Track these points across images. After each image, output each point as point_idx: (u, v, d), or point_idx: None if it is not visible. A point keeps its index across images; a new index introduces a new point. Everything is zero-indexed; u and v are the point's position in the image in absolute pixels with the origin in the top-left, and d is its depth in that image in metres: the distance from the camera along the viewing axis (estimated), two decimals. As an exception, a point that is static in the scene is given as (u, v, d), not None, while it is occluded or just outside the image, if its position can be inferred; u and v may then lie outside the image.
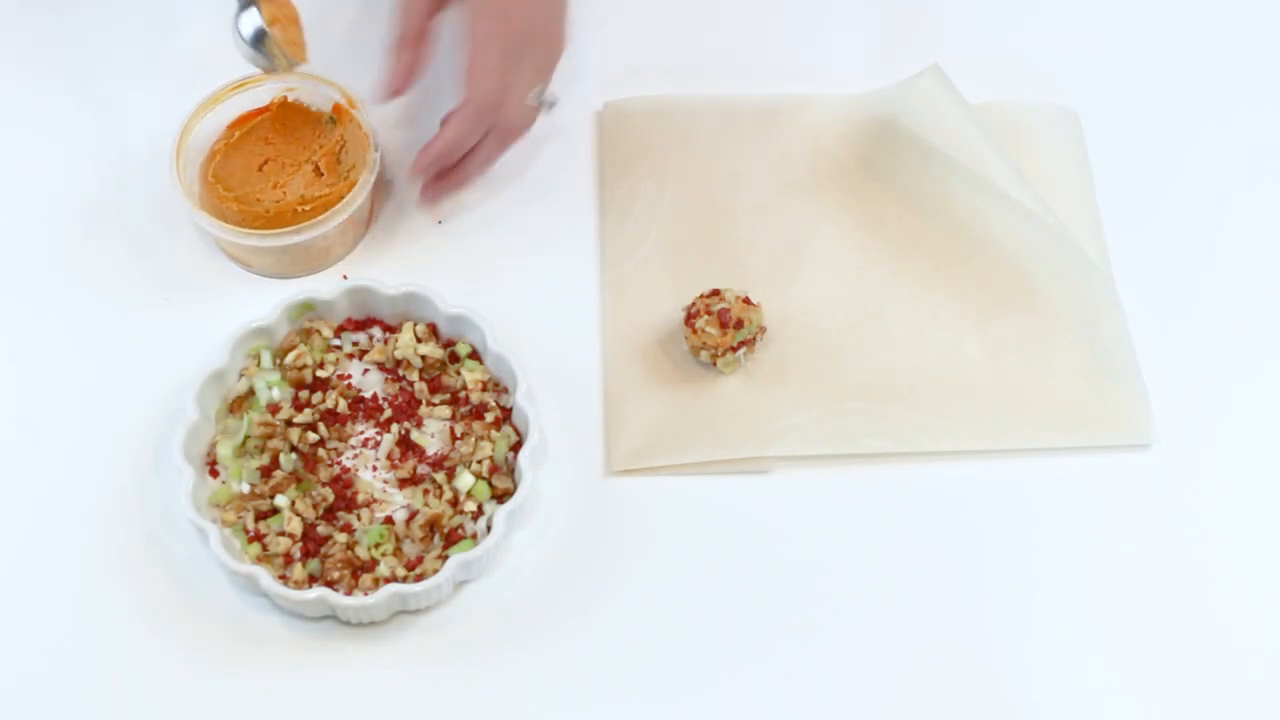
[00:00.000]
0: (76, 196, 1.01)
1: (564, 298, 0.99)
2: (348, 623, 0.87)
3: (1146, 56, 1.10)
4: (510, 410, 0.92)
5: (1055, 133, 1.05)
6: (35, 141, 1.03)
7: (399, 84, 0.96)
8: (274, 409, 0.91)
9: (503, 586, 0.89)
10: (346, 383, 0.93)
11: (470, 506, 0.89)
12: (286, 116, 1.01)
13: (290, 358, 0.93)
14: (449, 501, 0.89)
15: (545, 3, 0.96)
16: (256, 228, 0.96)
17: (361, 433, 0.92)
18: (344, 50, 1.07)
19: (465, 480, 0.89)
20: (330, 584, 0.87)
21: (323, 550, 0.88)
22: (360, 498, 0.90)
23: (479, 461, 0.90)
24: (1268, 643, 0.89)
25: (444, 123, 0.96)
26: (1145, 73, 1.09)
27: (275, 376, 0.92)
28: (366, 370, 0.94)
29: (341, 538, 0.88)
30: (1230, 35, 1.11)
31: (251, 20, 0.96)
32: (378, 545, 0.88)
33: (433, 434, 0.92)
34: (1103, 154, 1.05)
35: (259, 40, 0.96)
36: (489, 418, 0.92)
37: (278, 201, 0.97)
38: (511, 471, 0.91)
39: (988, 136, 0.99)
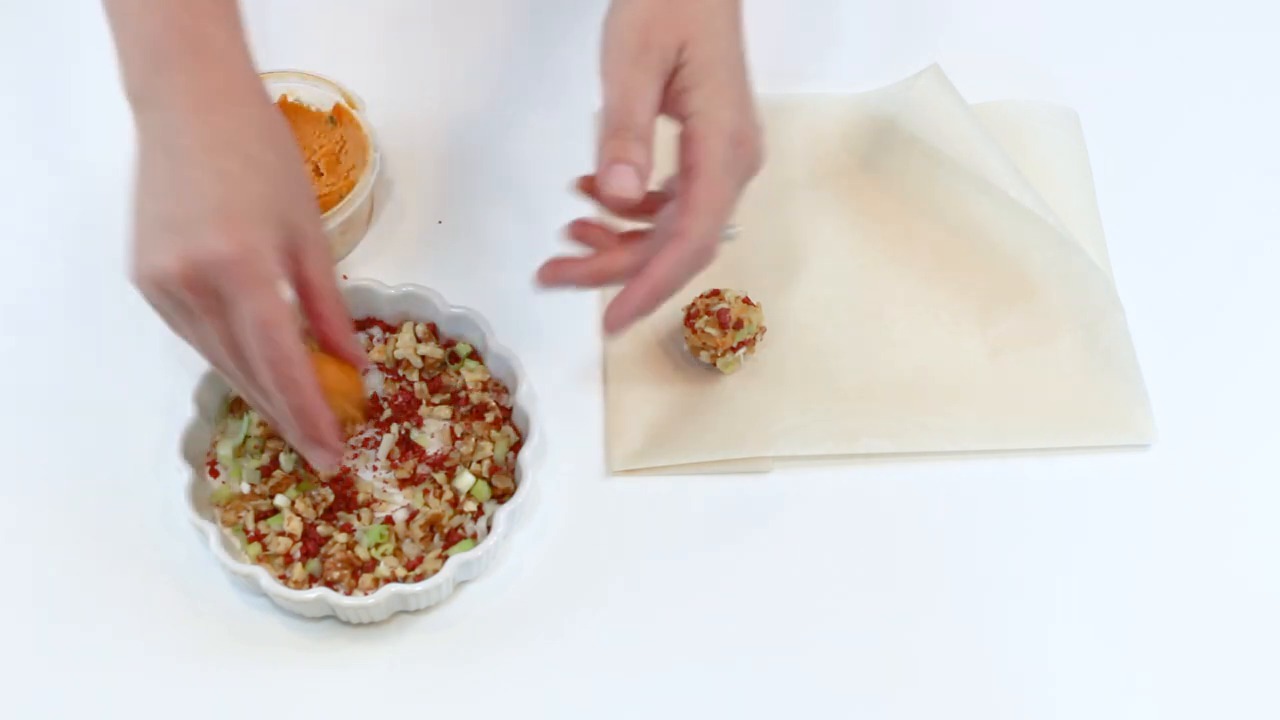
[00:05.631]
0: (77, 195, 1.01)
1: (564, 298, 0.98)
2: (348, 623, 0.87)
3: (1146, 56, 1.10)
4: (510, 410, 0.92)
5: (1055, 133, 1.05)
6: (35, 141, 1.03)
7: (640, 187, 0.81)
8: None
9: (503, 586, 0.89)
10: (346, 383, 0.93)
11: (470, 506, 0.89)
12: (286, 116, 1.00)
13: (290, 358, 0.93)
14: (449, 501, 0.89)
15: (759, 117, 0.83)
16: (256, 228, 0.96)
17: (361, 433, 0.92)
18: (344, 50, 1.07)
19: (465, 480, 0.89)
20: (330, 584, 0.87)
21: (323, 550, 0.88)
22: (360, 498, 0.90)
23: (479, 461, 0.90)
24: (1267, 643, 0.89)
25: (651, 257, 0.81)
26: (1145, 73, 1.09)
27: (275, 376, 0.92)
28: (366, 370, 0.94)
29: (341, 538, 0.88)
30: (1230, 35, 1.11)
31: None
32: (378, 545, 0.88)
33: (433, 434, 0.92)
34: (1103, 154, 1.05)
35: None
36: (489, 418, 0.92)
37: (278, 201, 0.97)
38: (511, 471, 0.91)
39: (988, 136, 0.99)
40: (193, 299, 0.77)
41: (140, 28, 0.79)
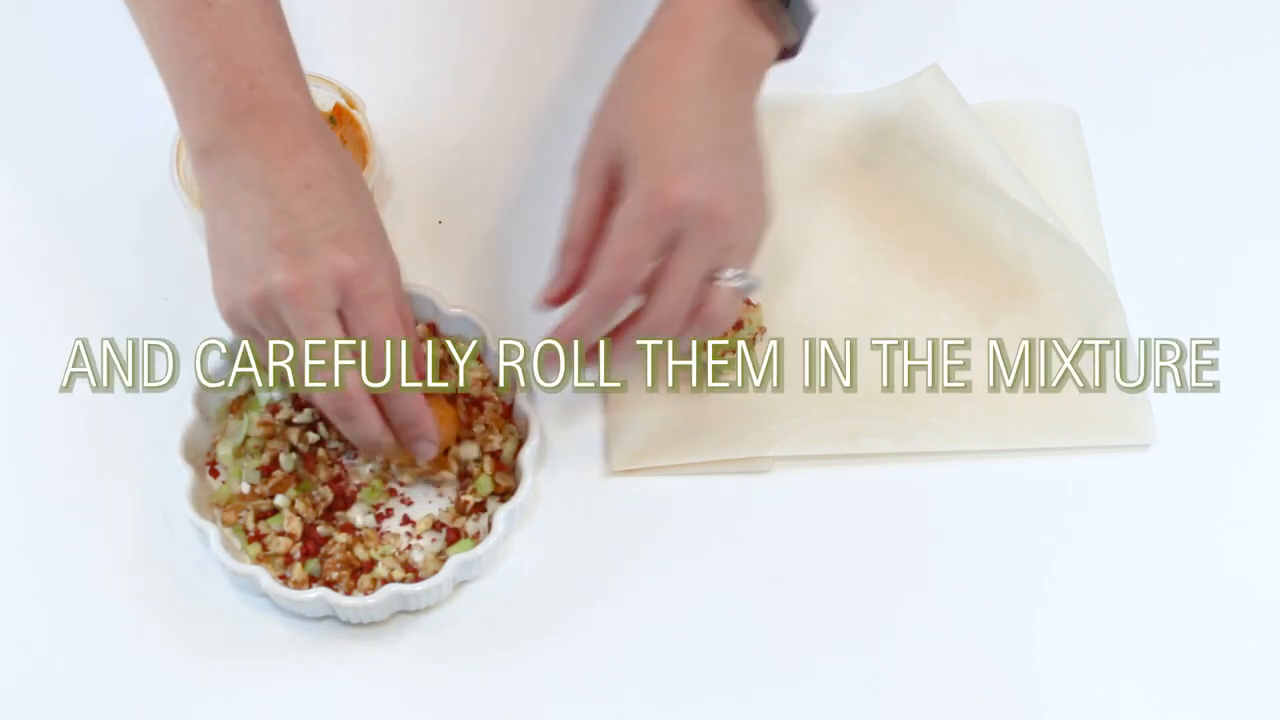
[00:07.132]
0: (76, 196, 1.01)
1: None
2: (348, 623, 0.87)
3: (1146, 56, 1.10)
4: (510, 409, 0.92)
5: (1055, 132, 1.05)
6: (35, 140, 1.03)
7: (558, 295, 0.88)
8: (274, 409, 0.91)
9: (503, 586, 0.89)
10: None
11: (472, 498, 0.89)
12: (286, 116, 1.00)
13: (290, 358, 0.93)
14: (456, 504, 0.89)
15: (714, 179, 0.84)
16: (256, 228, 0.96)
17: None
18: (344, 50, 1.07)
19: (470, 449, 0.90)
20: (330, 584, 0.87)
21: (322, 550, 0.88)
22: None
23: (490, 454, 0.90)
24: (1268, 643, 0.89)
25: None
26: (1145, 73, 1.09)
27: (275, 377, 0.92)
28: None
29: (341, 538, 0.88)
30: (1230, 35, 1.11)
31: None
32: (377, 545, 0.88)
33: (433, 434, 0.92)
34: (1103, 154, 1.05)
35: None
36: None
37: (278, 201, 0.97)
38: (512, 471, 0.91)
39: (988, 136, 0.99)
40: (300, 314, 0.81)
41: (214, 85, 0.84)
